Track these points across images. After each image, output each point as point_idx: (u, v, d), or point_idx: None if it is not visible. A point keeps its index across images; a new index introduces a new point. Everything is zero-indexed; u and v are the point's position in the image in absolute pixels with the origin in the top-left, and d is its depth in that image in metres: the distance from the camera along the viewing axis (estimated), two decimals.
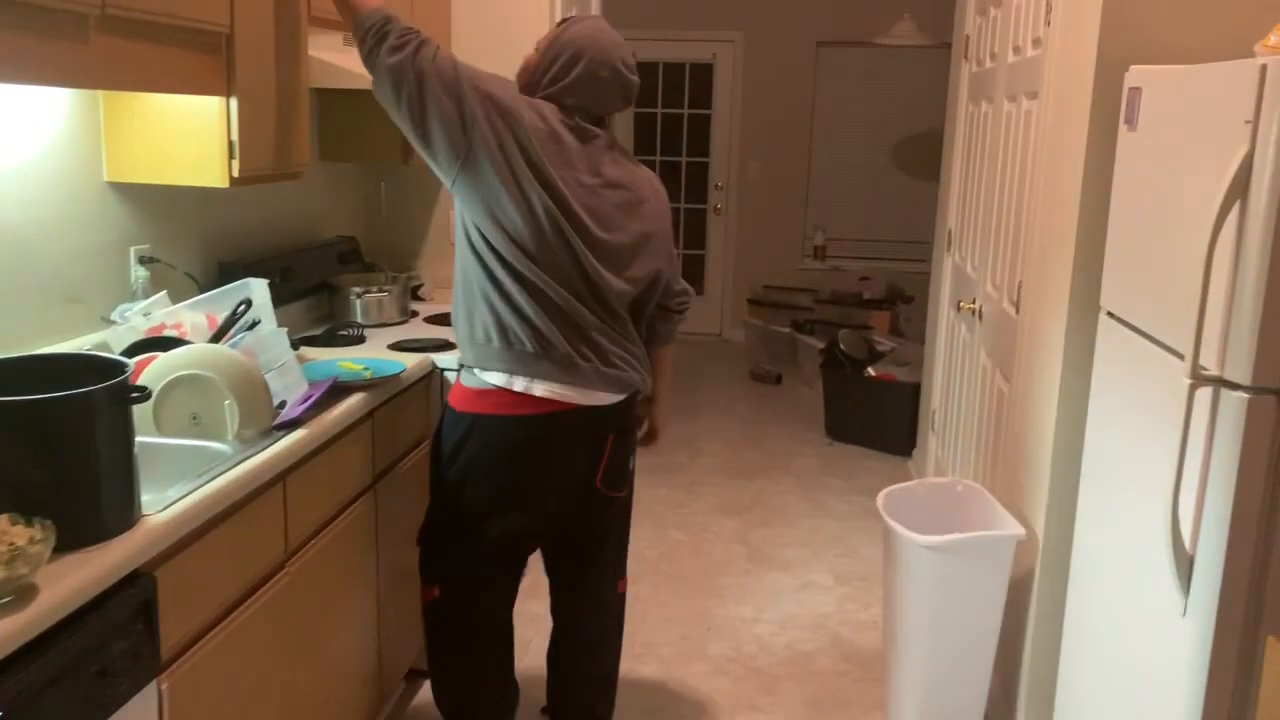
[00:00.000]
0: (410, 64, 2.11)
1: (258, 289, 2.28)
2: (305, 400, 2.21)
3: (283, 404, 2.14)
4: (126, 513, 1.56)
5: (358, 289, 3.14)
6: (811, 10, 7.36)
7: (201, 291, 2.57)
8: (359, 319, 3.14)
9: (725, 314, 7.87)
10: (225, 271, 2.81)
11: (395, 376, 2.51)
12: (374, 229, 3.77)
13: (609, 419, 2.33)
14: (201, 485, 1.75)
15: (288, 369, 2.25)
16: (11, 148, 2.13)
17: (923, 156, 7.30)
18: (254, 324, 2.21)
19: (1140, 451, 1.95)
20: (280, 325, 2.69)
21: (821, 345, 5.94)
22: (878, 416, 5.18)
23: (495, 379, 2.23)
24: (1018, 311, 2.92)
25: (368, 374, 2.51)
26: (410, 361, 2.67)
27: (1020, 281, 2.88)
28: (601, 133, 2.27)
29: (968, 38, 4.23)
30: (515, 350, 2.20)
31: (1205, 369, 1.68)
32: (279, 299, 2.95)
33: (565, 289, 2.20)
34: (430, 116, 2.11)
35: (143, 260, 2.53)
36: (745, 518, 4.30)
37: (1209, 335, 1.68)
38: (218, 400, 2.02)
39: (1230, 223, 1.64)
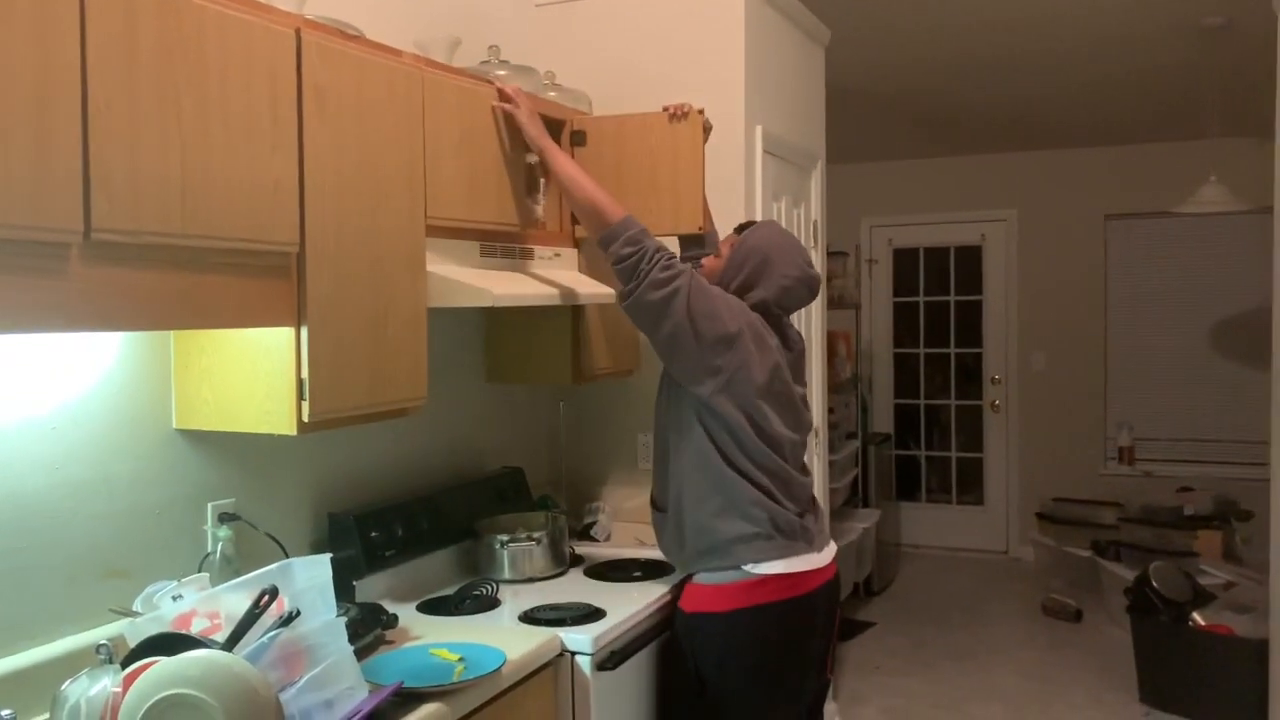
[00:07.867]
0: (675, 307, 2.20)
1: (303, 570, 1.79)
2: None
3: None
4: None
5: (502, 537, 2.63)
6: (1095, 181, 6.47)
7: (287, 556, 2.13)
8: (505, 573, 2.62)
9: (1011, 528, 6.75)
10: (336, 525, 2.38)
11: (492, 675, 1.92)
12: (553, 457, 3.29)
13: (836, 587, 2.40)
14: None
15: (335, 671, 1.72)
16: (48, 390, 1.82)
17: (1253, 339, 6.06)
18: (290, 617, 1.71)
19: None
20: (413, 580, 2.48)
21: (1130, 573, 4.77)
22: (1209, 680, 3.96)
23: (772, 567, 2.24)
24: None
25: (459, 667, 1.94)
26: (525, 645, 2.08)
27: None
28: (803, 345, 2.52)
29: None
30: (777, 529, 2.26)
31: None
32: (408, 552, 2.50)
33: (787, 467, 2.33)
34: (684, 356, 2.25)
35: (223, 518, 2.14)
36: None
37: None
38: None
39: None
